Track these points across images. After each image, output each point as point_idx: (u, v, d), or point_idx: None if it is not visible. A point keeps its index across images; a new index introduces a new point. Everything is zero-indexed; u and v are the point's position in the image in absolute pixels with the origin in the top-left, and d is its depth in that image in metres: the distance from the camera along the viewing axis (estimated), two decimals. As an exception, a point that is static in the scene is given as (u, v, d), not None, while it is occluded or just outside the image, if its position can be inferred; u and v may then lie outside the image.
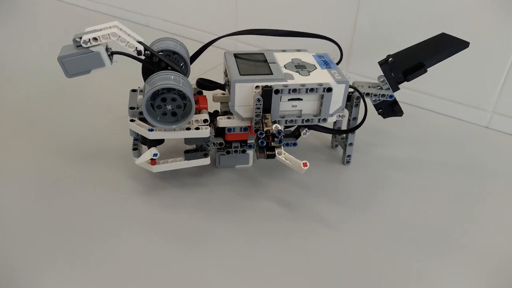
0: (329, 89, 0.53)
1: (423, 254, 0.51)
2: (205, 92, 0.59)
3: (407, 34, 0.75)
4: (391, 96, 0.60)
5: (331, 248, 0.51)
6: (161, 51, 0.55)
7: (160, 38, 0.58)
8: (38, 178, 0.59)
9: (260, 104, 0.52)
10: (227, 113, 0.57)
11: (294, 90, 0.52)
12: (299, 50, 0.61)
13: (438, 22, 0.72)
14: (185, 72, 0.58)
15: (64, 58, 0.49)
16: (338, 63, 0.61)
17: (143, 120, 0.54)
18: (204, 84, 0.58)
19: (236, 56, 0.58)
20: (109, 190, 0.57)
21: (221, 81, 0.60)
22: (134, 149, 0.56)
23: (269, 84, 0.52)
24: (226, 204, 0.56)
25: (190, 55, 0.60)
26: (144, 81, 0.55)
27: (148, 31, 1.06)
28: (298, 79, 0.54)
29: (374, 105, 0.62)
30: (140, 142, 0.56)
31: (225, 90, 0.60)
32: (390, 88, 0.59)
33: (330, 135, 0.68)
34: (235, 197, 0.58)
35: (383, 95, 0.60)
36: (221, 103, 0.61)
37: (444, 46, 0.58)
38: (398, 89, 0.60)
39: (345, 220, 0.55)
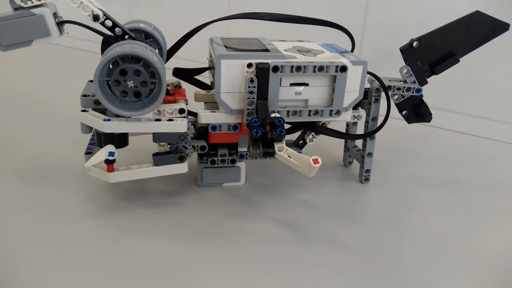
0: (343, 68, 0.41)
1: (458, 277, 0.35)
2: (187, 90, 0.47)
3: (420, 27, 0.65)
4: (418, 90, 0.48)
5: (349, 277, 0.36)
6: (132, 30, 0.44)
7: (134, 20, 0.47)
8: None
9: (254, 87, 0.40)
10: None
11: (299, 68, 0.40)
12: (301, 41, 0.50)
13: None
14: (161, 52, 0.46)
15: (-4, 22, 0.37)
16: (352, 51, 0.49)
17: (100, 111, 0.40)
18: (182, 72, 0.46)
19: (223, 40, 0.46)
20: (53, 213, 0.42)
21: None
22: (87, 153, 0.42)
23: (265, 61, 0.40)
24: (211, 227, 0.41)
25: (169, 46, 0.49)
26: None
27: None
28: (301, 59, 0.42)
29: (396, 105, 0.49)
30: (96, 145, 0.43)
31: (210, 85, 0.48)
32: (416, 81, 0.48)
33: (342, 151, 0.55)
34: (222, 219, 0.43)
35: (408, 89, 0.48)
36: (205, 103, 0.48)
37: (479, 28, 0.47)
38: (426, 82, 0.48)
39: (365, 243, 0.40)
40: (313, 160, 0.36)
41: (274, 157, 0.39)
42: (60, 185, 0.47)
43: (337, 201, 0.47)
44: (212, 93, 0.46)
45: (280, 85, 0.41)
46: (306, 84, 0.42)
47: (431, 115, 0.50)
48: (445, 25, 0.47)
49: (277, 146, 0.38)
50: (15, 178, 0.48)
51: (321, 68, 0.40)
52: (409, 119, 0.50)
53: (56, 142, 0.57)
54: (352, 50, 0.50)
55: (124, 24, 0.47)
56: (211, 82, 0.47)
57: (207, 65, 0.49)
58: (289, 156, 0.38)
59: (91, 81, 0.44)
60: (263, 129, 0.38)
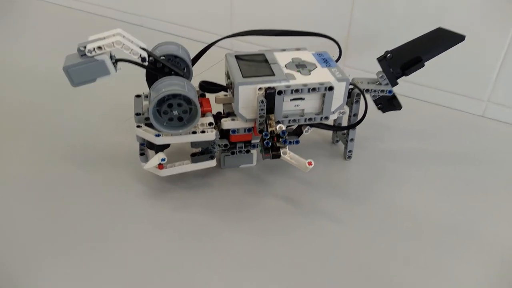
0: (331, 88, 0.54)
1: (426, 244, 0.52)
2: (207, 94, 0.60)
3: (402, 27, 0.77)
4: (390, 91, 0.61)
5: (335, 241, 0.53)
6: (164, 56, 0.56)
7: (161, 42, 0.59)
8: (45, 182, 0.60)
9: (264, 106, 0.53)
10: (230, 114, 0.58)
11: (297, 90, 0.53)
12: (298, 49, 0.62)
13: (433, 14, 0.73)
14: (188, 75, 0.59)
15: (69, 68, 0.49)
16: (337, 60, 0.62)
17: (149, 125, 0.54)
18: (207, 87, 0.59)
19: (237, 57, 0.58)
20: (117, 193, 0.58)
21: (222, 82, 0.61)
22: (141, 154, 0.57)
23: (271, 85, 0.53)
24: (233, 203, 0.58)
25: (192, 57, 0.61)
26: (149, 87, 0.56)
27: (143, 31, 1.07)
28: (299, 79, 0.55)
29: (374, 101, 0.63)
30: (147, 146, 0.57)
31: (227, 92, 0.61)
32: (389, 83, 0.61)
33: (331, 132, 0.69)
34: (242, 196, 0.59)
35: (382, 91, 0.61)
36: (223, 104, 0.61)
37: (440, 40, 0.59)
38: (397, 84, 0.61)
39: (348, 214, 0.56)
40: (308, 162, 0.51)
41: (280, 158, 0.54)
42: (117, 170, 0.62)
43: (325, 176, 0.62)
44: (229, 96, 0.60)
45: (283, 101, 0.54)
46: (303, 99, 0.55)
47: (401, 105, 0.64)
48: (414, 39, 0.59)
49: (282, 150, 0.53)
50: (67, 161, 0.63)
51: (313, 89, 0.54)
52: (384, 110, 0.64)
53: (100, 125, 0.71)
54: (339, 56, 0.63)
55: (158, 44, 0.59)
56: (226, 84, 0.60)
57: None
58: (291, 158, 0.53)
59: (138, 96, 0.58)
60: (272, 140, 0.52)
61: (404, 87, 0.80)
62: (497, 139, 0.71)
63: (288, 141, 0.52)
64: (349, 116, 0.63)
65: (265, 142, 0.52)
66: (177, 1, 1.00)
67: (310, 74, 0.56)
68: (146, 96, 0.57)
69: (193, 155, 0.57)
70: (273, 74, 0.55)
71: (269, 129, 0.53)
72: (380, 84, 0.61)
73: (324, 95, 0.55)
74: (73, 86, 0.51)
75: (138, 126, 0.54)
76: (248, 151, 0.61)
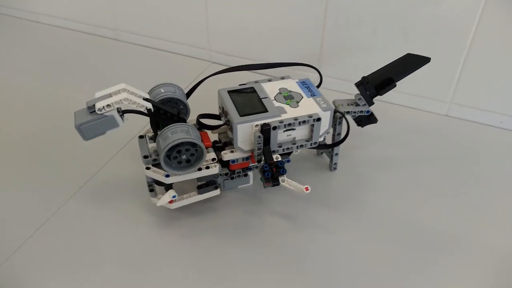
0: (319, 119, 0.61)
1: (415, 249, 0.61)
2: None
3: (371, 36, 0.83)
4: (368, 112, 0.68)
5: (330, 252, 0.60)
6: (163, 100, 0.61)
7: (157, 85, 0.63)
8: (53, 215, 0.64)
9: (261, 140, 0.59)
10: (227, 144, 0.64)
11: (289, 124, 0.60)
12: (283, 78, 0.68)
13: (398, 20, 0.80)
14: (185, 112, 0.64)
15: (81, 125, 0.53)
16: (318, 86, 0.68)
17: (157, 165, 0.59)
18: (204, 124, 0.63)
19: (230, 93, 0.63)
20: (128, 225, 0.63)
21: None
22: (151, 190, 0.62)
23: (266, 121, 0.59)
24: (238, 227, 0.64)
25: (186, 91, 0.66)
26: (153, 131, 0.60)
27: (119, 45, 1.08)
28: (290, 112, 0.61)
29: (354, 119, 0.70)
30: (154, 183, 0.62)
31: (220, 119, 0.66)
32: (366, 104, 0.68)
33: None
34: (243, 218, 0.65)
35: (361, 111, 0.68)
36: (219, 133, 0.67)
37: (409, 63, 0.66)
38: (373, 103, 0.68)
39: (339, 224, 0.64)
40: (305, 188, 0.59)
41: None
42: (123, 200, 0.67)
43: (315, 189, 0.69)
44: (224, 127, 0.65)
45: (277, 133, 0.61)
46: (294, 129, 0.61)
47: (377, 120, 0.71)
48: (387, 64, 0.66)
49: (280, 179, 0.60)
50: (72, 194, 0.67)
51: (303, 122, 0.60)
52: (362, 125, 0.72)
53: (100, 156, 0.75)
54: (320, 82, 0.69)
55: (155, 87, 0.63)
56: (219, 113, 0.66)
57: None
58: (289, 185, 0.60)
59: (141, 136, 0.62)
60: (271, 170, 0.59)
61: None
62: (460, 135, 0.80)
63: (285, 170, 0.59)
64: (333, 135, 0.70)
65: (265, 173, 0.59)
66: (152, 14, 1.02)
67: (298, 106, 0.62)
68: (151, 138, 0.61)
69: (199, 187, 0.62)
70: (267, 111, 0.60)
71: (268, 161, 0.59)
72: (358, 105, 0.68)
73: (313, 125, 0.61)
74: (84, 140, 0.55)
75: (147, 168, 0.59)
76: (246, 174, 0.67)
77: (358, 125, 0.71)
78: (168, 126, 0.56)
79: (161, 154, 0.54)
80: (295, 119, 0.60)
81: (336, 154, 0.71)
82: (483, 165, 0.74)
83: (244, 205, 0.67)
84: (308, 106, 0.62)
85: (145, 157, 0.59)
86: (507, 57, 0.76)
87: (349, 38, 0.86)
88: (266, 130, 0.59)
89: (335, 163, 0.72)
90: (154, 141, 0.61)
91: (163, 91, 0.62)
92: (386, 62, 0.67)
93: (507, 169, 0.73)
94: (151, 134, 0.62)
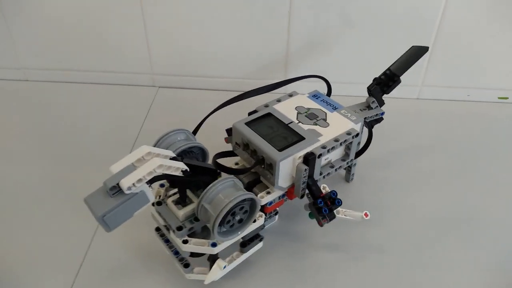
0: (357, 135, 0.54)
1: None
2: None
3: (341, 32, 0.79)
4: (382, 113, 0.64)
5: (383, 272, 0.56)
6: (183, 152, 0.49)
7: (165, 134, 0.50)
8: None
9: (306, 172, 0.51)
10: (256, 181, 0.54)
11: (333, 148, 0.52)
12: (291, 95, 0.60)
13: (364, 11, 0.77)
14: (205, 155, 0.52)
15: (105, 215, 0.39)
16: (328, 95, 0.62)
17: (191, 235, 0.48)
18: (223, 166, 0.52)
19: (248, 125, 0.54)
20: None
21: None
22: (186, 265, 0.50)
23: (309, 150, 0.51)
24: (277, 266, 0.56)
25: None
26: (180, 193, 0.48)
27: (28, 86, 0.88)
28: (325, 134, 0.53)
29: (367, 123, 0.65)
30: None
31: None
32: (378, 105, 0.63)
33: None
34: (286, 258, 0.56)
35: (376, 115, 0.64)
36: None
37: (414, 55, 0.63)
38: (384, 103, 0.64)
39: (388, 240, 0.59)
40: (364, 214, 0.52)
41: (335, 218, 0.53)
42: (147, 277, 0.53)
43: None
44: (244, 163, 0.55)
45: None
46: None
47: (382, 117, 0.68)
48: (395, 61, 0.63)
49: (335, 210, 0.52)
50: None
51: (344, 141, 0.53)
52: (372, 128, 0.67)
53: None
54: (329, 90, 0.63)
55: (165, 136, 0.50)
56: (233, 147, 0.56)
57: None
58: (346, 215, 0.53)
59: (159, 203, 0.49)
60: (326, 205, 0.51)
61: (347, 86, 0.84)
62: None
63: (341, 201, 0.52)
64: (353, 145, 0.64)
65: (323, 210, 0.51)
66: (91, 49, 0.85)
67: (328, 124, 0.55)
68: (177, 202, 0.48)
69: (242, 245, 0.52)
70: (303, 138, 0.52)
71: (320, 195, 0.51)
72: (371, 108, 0.63)
73: (350, 142, 0.55)
74: (108, 232, 0.41)
75: (185, 242, 0.47)
76: (276, 213, 0.58)
77: (370, 129, 0.67)
78: (210, 187, 0.44)
79: (215, 222, 0.43)
80: (336, 140, 0.53)
81: (355, 164, 0.66)
82: (466, 139, 0.76)
83: (282, 247, 0.58)
84: (338, 122, 0.56)
85: (179, 228, 0.47)
86: (474, 35, 0.78)
87: (315, 38, 0.80)
88: (311, 160, 0.51)
89: (353, 174, 0.67)
90: (180, 205, 0.48)
91: (178, 140, 0.49)
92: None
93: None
94: (174, 198, 0.49)
